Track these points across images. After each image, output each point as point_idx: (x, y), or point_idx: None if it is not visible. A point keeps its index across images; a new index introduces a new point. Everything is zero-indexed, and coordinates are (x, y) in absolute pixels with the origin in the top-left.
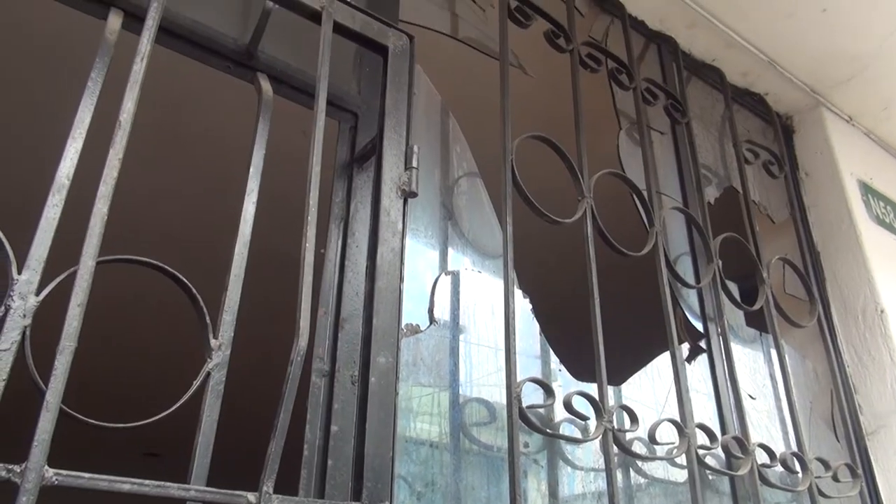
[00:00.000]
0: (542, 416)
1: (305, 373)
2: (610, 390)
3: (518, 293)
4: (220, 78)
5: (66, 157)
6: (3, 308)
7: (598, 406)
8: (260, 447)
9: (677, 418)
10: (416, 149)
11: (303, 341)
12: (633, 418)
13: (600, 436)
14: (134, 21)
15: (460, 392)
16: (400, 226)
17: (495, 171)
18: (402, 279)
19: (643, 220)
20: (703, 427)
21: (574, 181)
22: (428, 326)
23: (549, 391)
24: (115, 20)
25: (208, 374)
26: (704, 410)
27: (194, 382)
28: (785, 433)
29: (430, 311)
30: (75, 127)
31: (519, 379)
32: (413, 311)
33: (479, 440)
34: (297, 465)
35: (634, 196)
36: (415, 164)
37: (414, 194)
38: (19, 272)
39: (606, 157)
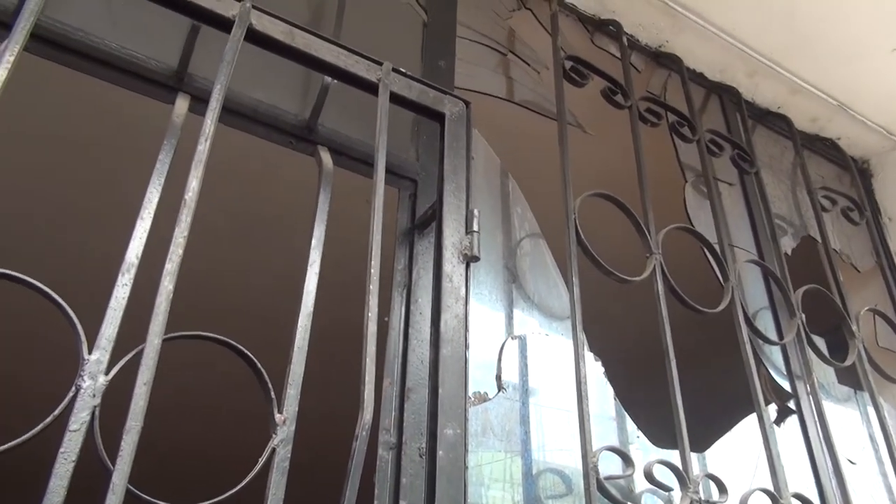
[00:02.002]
0: (622, 486)
1: (372, 446)
2: (693, 457)
3: (589, 355)
4: (293, 155)
5: (135, 236)
6: (73, 388)
7: (682, 475)
8: None
9: (770, 487)
10: (476, 212)
11: (368, 415)
12: (722, 488)
13: None
14: (199, 103)
15: (533, 461)
16: (463, 291)
17: (557, 231)
18: (466, 346)
19: (717, 275)
20: (800, 497)
21: (641, 238)
22: (496, 394)
23: (627, 460)
24: (182, 104)
25: (273, 450)
26: (799, 478)
27: (259, 460)
28: (892, 500)
29: (498, 377)
30: (144, 207)
31: (595, 447)
32: (480, 379)
33: None
34: None
35: (706, 250)
36: (475, 227)
37: (476, 258)
38: (90, 352)
39: (671, 213)
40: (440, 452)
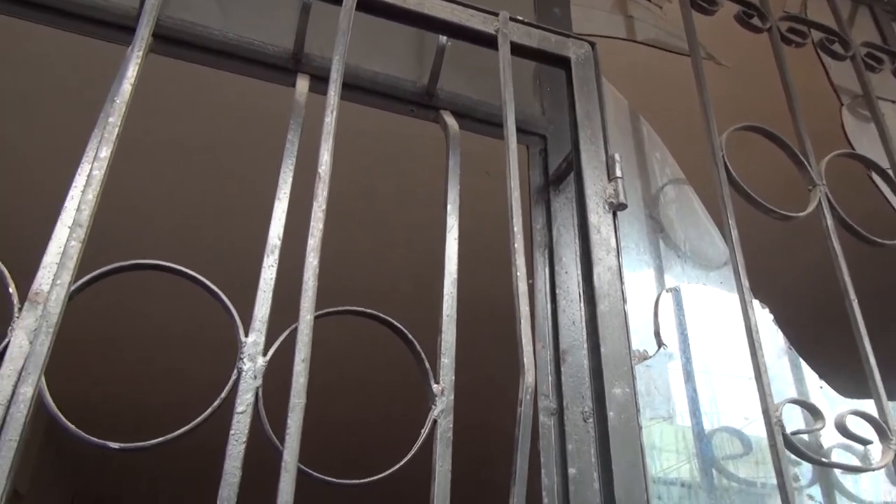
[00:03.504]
0: (809, 442)
1: (532, 413)
2: (892, 406)
3: (755, 303)
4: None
5: (275, 217)
6: (235, 372)
7: (882, 426)
8: (494, 496)
9: None
10: (617, 157)
11: (529, 377)
12: None
13: (889, 462)
14: (319, 82)
15: (704, 420)
16: (613, 241)
17: (701, 175)
18: (624, 300)
19: (891, 205)
20: None
21: (800, 170)
22: (656, 351)
23: (815, 413)
24: (302, 84)
25: (435, 421)
26: None
27: (422, 431)
28: None
29: (657, 333)
30: (279, 188)
31: (776, 400)
32: (635, 337)
33: (738, 476)
34: None
35: (876, 178)
36: (619, 173)
37: (623, 206)
38: (246, 335)
39: (821, 144)
40: (610, 414)
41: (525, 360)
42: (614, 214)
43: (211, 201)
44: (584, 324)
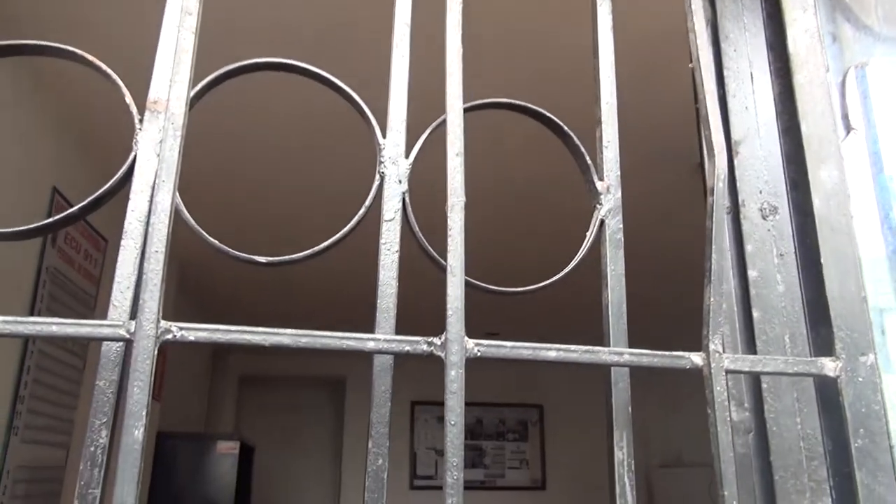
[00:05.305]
0: None
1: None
2: None
3: None
4: None
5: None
6: (377, 177)
7: None
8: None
9: None
10: None
11: (721, 161)
12: None
13: None
14: None
15: None
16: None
17: None
18: (827, 67)
19: None
20: None
21: None
22: (845, 137)
23: None
24: None
25: (602, 222)
26: None
27: (587, 234)
28: None
29: (845, 117)
30: None
31: None
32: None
33: None
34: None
35: None
36: None
37: None
38: (384, 136)
39: None
40: (816, 202)
41: (714, 140)
42: None
43: None
44: (774, 101)
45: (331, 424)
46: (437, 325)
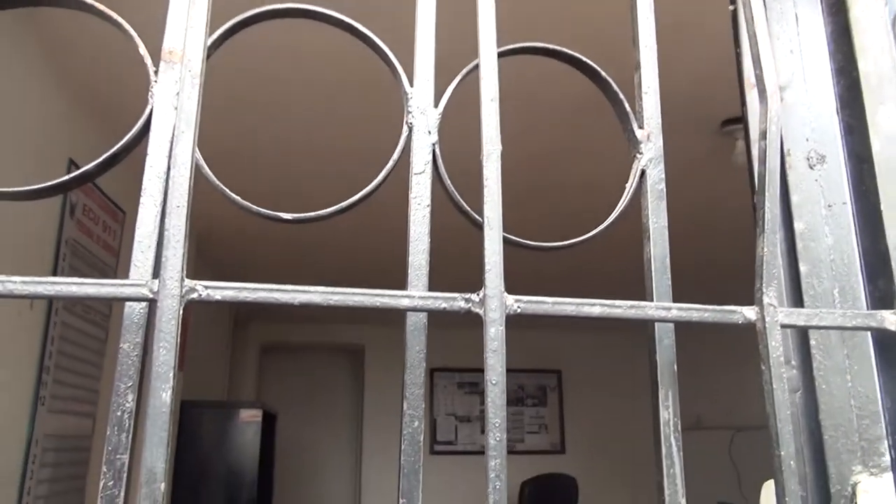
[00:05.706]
0: None
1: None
2: None
3: None
4: None
5: None
6: (405, 127)
7: None
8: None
9: None
10: None
11: (774, 102)
12: None
13: None
14: None
15: None
16: None
17: None
18: (885, 2)
19: None
20: None
21: None
22: None
23: None
24: None
25: (643, 171)
26: None
27: (627, 185)
28: None
29: None
30: None
31: None
32: None
33: None
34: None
35: None
36: None
37: None
38: (411, 84)
39: None
40: (875, 146)
41: (767, 79)
42: None
43: None
44: (826, 40)
45: (351, 392)
46: (459, 286)
